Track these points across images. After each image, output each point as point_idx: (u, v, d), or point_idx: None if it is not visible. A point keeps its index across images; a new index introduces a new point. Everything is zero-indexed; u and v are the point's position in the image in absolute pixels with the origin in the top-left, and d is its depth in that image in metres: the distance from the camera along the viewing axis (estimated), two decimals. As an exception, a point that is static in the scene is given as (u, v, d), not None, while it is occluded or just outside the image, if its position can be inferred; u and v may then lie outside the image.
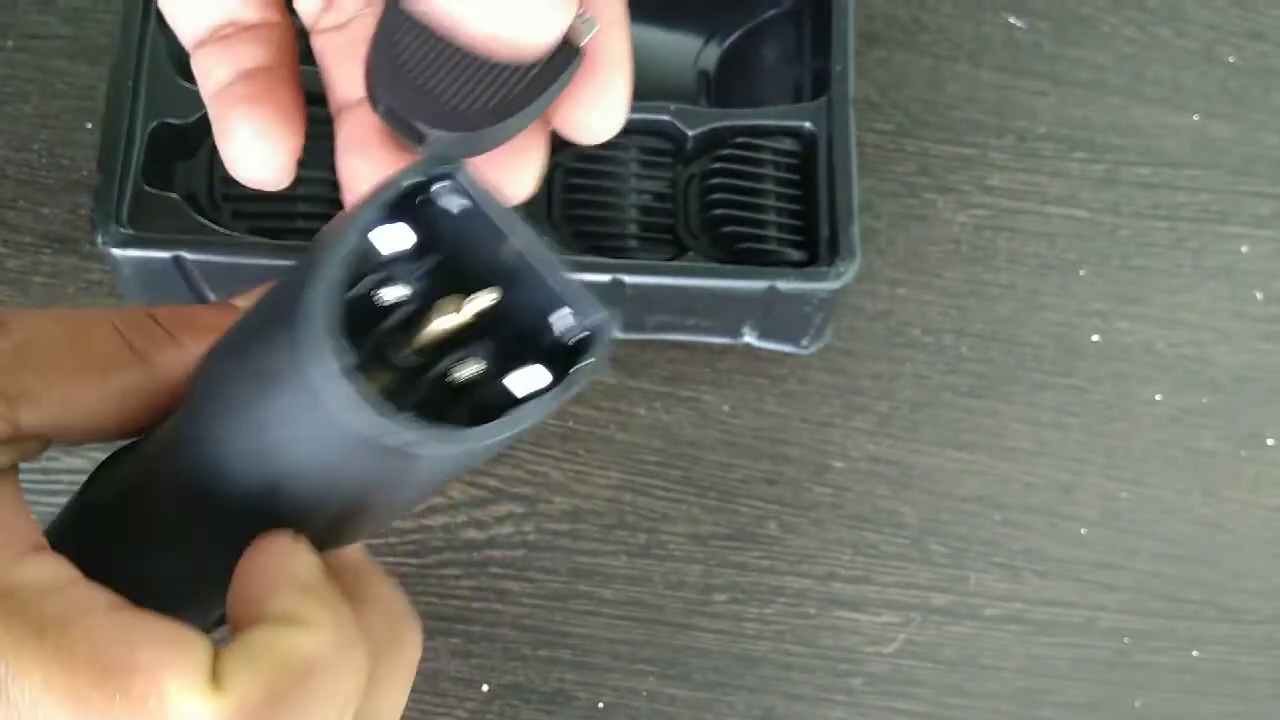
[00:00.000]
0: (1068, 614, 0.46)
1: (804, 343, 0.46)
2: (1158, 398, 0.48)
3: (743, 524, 0.45)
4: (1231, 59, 0.52)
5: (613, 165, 0.45)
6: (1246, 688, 0.46)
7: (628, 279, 0.42)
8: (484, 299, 0.20)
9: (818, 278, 0.42)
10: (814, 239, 0.44)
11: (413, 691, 0.44)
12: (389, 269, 0.20)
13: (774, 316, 0.44)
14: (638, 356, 0.47)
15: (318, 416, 0.19)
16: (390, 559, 0.44)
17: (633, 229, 0.44)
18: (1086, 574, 0.46)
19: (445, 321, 0.20)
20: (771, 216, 0.44)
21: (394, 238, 0.20)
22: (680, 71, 0.49)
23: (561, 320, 0.20)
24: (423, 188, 0.20)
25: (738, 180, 0.44)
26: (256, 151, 0.26)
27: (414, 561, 0.44)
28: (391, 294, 0.21)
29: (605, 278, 0.42)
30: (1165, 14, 0.52)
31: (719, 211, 0.44)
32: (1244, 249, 0.50)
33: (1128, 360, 0.48)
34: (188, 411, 0.23)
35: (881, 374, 0.47)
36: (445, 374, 0.21)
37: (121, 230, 0.41)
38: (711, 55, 0.49)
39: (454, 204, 0.20)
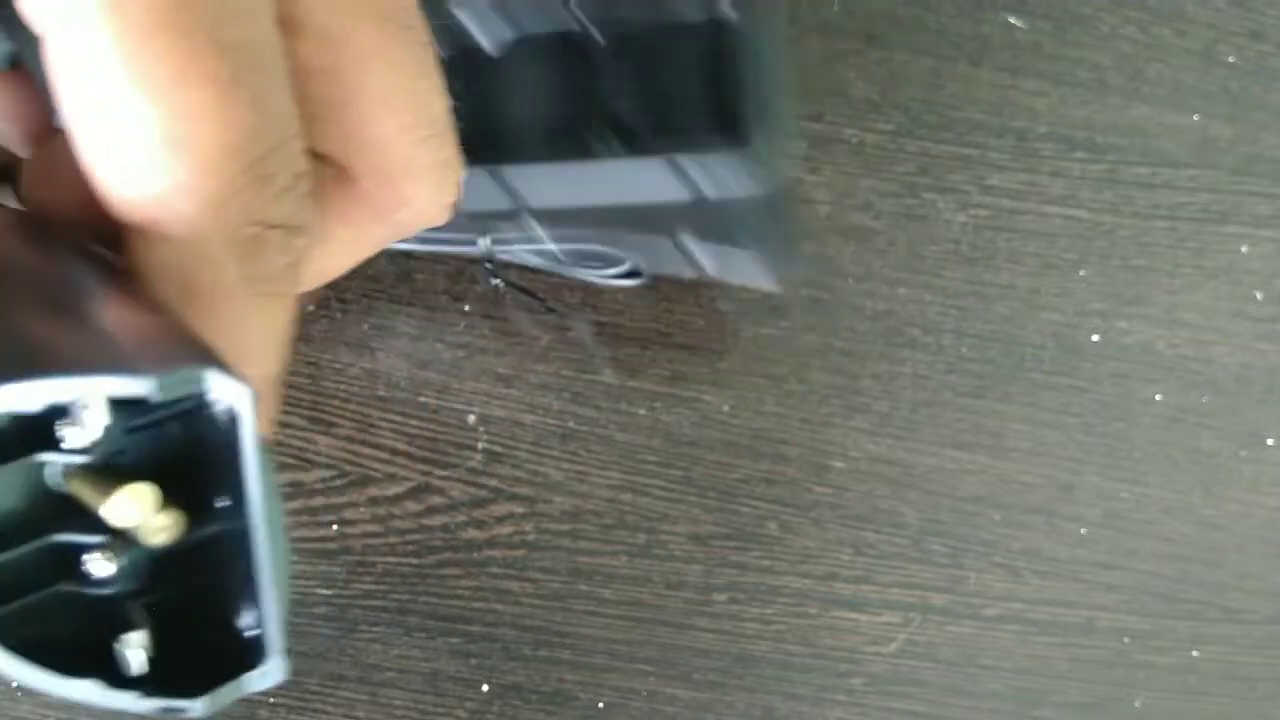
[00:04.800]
0: (1068, 614, 0.46)
1: (764, 256, 0.42)
2: (1158, 398, 0.48)
3: (743, 524, 0.45)
4: (1231, 59, 0.52)
5: (513, 64, 0.41)
6: (1246, 688, 0.46)
7: (526, 190, 0.40)
8: (153, 537, 0.17)
9: (736, 167, 0.39)
10: (739, 132, 0.41)
11: (413, 691, 0.44)
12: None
13: (708, 219, 0.41)
14: (638, 357, 0.47)
15: None
16: (390, 559, 0.44)
17: (536, 132, 0.41)
18: (1086, 574, 0.46)
19: (100, 502, 0.16)
20: (690, 112, 0.42)
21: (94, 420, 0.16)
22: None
23: (239, 617, 0.17)
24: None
25: (648, 77, 0.42)
26: None
27: (414, 561, 0.44)
28: (75, 437, 0.16)
29: (504, 197, 0.39)
30: (1165, 14, 0.52)
31: (630, 109, 0.42)
32: (1244, 249, 0.50)
33: (1128, 360, 0.48)
34: None
35: (881, 374, 0.47)
36: (77, 550, 0.17)
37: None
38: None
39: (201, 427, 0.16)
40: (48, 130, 0.21)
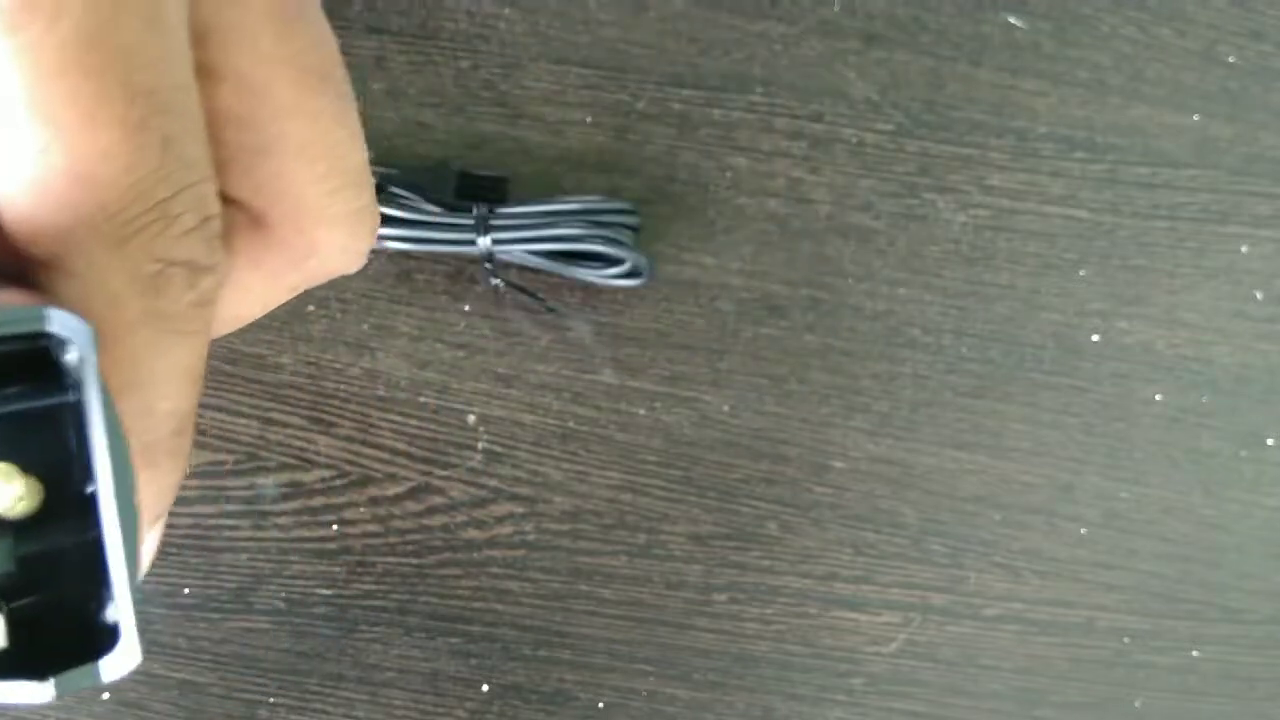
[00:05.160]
0: (1068, 614, 0.46)
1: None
2: (1158, 398, 0.48)
3: (743, 524, 0.45)
4: (1231, 59, 0.52)
5: None
6: (1246, 688, 0.46)
7: None
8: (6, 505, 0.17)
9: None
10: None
11: (413, 691, 0.44)
12: None
13: None
14: (638, 357, 0.47)
15: None
16: (390, 559, 0.44)
17: None
18: (1086, 574, 0.46)
19: None
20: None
21: None
22: None
23: (102, 606, 0.17)
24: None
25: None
26: None
27: (414, 561, 0.44)
28: None
29: None
30: (1165, 14, 0.52)
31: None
32: (1244, 249, 0.50)
33: (1128, 360, 0.48)
34: None
35: (881, 374, 0.47)
36: None
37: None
38: None
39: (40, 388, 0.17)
40: None
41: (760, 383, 0.47)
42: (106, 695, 0.43)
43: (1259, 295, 0.50)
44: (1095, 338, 0.49)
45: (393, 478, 0.45)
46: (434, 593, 0.44)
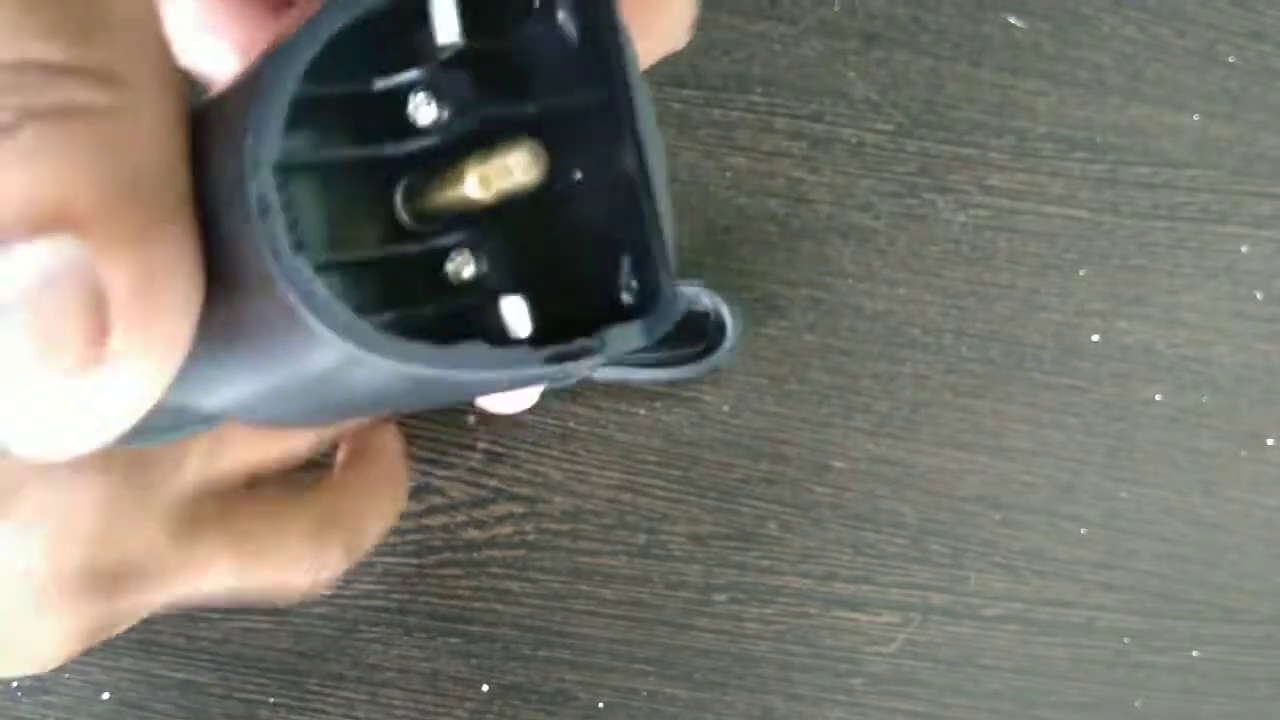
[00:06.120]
0: (1068, 614, 0.46)
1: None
2: (1158, 398, 0.48)
3: (743, 524, 0.45)
4: (1231, 59, 0.52)
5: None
6: (1246, 688, 0.46)
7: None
8: (521, 174, 0.14)
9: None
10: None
11: (413, 691, 0.44)
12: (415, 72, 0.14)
13: None
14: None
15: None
16: (390, 559, 0.44)
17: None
18: (1086, 574, 0.46)
19: (470, 189, 0.14)
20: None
21: (446, 23, 0.14)
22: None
23: (624, 270, 0.15)
24: None
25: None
26: None
27: (414, 561, 0.44)
28: (425, 114, 0.15)
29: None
30: (1165, 14, 0.52)
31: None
32: (1244, 249, 0.50)
33: (1128, 360, 0.48)
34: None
35: (881, 374, 0.47)
36: (438, 258, 0.15)
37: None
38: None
39: (557, 33, 0.15)
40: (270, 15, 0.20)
41: (760, 383, 0.47)
42: (107, 695, 0.43)
43: (1259, 295, 0.50)
44: (1095, 338, 0.49)
45: (393, 478, 0.45)
46: (434, 593, 0.44)
